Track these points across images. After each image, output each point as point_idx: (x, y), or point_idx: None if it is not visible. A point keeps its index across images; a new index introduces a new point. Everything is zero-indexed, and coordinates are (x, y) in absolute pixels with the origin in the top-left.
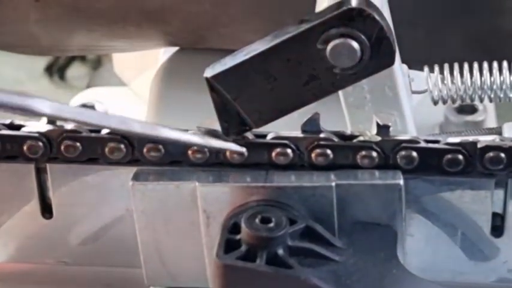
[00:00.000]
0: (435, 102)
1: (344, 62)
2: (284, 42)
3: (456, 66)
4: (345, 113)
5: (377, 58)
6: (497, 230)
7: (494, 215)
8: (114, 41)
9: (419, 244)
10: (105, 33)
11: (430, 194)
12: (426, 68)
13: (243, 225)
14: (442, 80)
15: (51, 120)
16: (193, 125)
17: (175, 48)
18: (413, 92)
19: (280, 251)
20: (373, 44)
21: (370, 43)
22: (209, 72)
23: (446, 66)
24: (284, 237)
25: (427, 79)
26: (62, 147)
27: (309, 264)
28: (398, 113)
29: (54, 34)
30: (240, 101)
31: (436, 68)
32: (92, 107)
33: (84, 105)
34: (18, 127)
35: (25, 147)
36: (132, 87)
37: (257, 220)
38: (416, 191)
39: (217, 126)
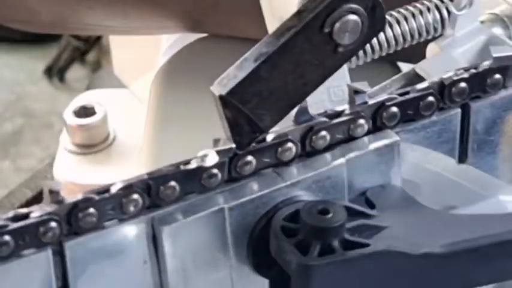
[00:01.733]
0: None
1: (349, 38)
2: (292, 38)
3: None
4: None
5: (372, 26)
6: (462, 156)
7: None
8: (113, 20)
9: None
10: (104, 12)
11: (409, 142)
12: None
13: (307, 221)
14: None
15: (56, 196)
16: (193, 126)
17: (175, 51)
18: None
19: (347, 236)
20: (369, 14)
21: (367, 13)
22: (222, 90)
23: None
24: (345, 223)
25: None
26: (80, 221)
27: (370, 238)
28: (346, 82)
29: (54, 10)
30: (253, 108)
31: None
32: (92, 109)
33: (84, 107)
34: (26, 216)
35: (40, 233)
36: (132, 89)
37: (315, 212)
38: (402, 141)
39: (225, 143)
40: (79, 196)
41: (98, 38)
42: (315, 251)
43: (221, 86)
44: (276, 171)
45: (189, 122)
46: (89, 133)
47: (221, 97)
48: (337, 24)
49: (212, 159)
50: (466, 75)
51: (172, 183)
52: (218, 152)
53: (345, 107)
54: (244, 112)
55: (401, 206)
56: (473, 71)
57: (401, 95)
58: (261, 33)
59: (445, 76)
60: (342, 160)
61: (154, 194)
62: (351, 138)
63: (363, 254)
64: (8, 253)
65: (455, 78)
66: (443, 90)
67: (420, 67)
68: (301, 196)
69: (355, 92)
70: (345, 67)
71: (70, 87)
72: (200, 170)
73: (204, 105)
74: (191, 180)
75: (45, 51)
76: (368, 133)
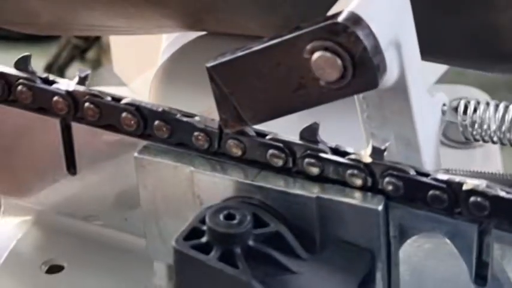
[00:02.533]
0: (466, 138)
1: (327, 75)
2: (274, 46)
3: (492, 104)
4: (362, 127)
5: (360, 78)
6: (481, 278)
7: (479, 262)
8: (114, 21)
9: (404, 275)
10: (105, 13)
11: (415, 226)
12: (462, 102)
13: (207, 217)
14: (474, 118)
15: (82, 81)
16: None
17: (175, 49)
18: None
19: (237, 250)
20: (356, 63)
21: (353, 61)
22: (210, 63)
23: (482, 103)
24: (244, 237)
25: (460, 113)
26: (84, 109)
27: (263, 270)
28: (411, 140)
29: (54, 12)
30: (236, 95)
31: (472, 103)
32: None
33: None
34: (52, 82)
35: (53, 103)
36: (132, 87)
37: (221, 215)
38: (402, 221)
39: (216, 115)
40: (93, 91)
41: (98, 37)
42: (196, 243)
43: (212, 60)
44: (261, 170)
45: None
46: None
47: (207, 68)
48: (315, 55)
49: (203, 121)
50: (492, 191)
51: (167, 124)
52: (205, 120)
53: (356, 152)
54: (226, 93)
55: (339, 270)
56: (502, 193)
57: (417, 173)
58: (260, 31)
59: (468, 180)
60: (312, 194)
61: (150, 124)
62: (343, 183)
63: (222, 271)
64: (28, 102)
65: (476, 188)
66: (458, 196)
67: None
68: (266, 204)
69: (373, 147)
70: (411, 121)
71: None
72: (190, 126)
73: (204, 103)
74: (183, 131)
75: (45, 50)
76: (364, 188)
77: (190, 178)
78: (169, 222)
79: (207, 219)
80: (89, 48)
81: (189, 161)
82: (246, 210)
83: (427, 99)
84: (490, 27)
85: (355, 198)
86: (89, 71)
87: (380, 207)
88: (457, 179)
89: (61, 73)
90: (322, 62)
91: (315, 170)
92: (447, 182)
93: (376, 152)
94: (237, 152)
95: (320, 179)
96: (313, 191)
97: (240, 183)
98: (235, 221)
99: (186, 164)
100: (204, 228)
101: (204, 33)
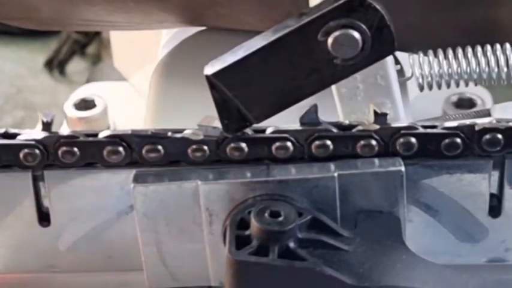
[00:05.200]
0: (421, 88)
1: (345, 52)
2: (284, 37)
3: (440, 51)
4: (336, 104)
5: (378, 47)
6: (495, 210)
7: (491, 195)
8: (114, 15)
9: (418, 229)
10: (105, 8)
11: (429, 179)
12: (411, 55)
13: (253, 220)
14: (428, 64)
15: (47, 127)
16: (192, 119)
17: (175, 44)
18: (400, 79)
19: (292, 244)
20: (373, 33)
21: (371, 32)
22: (209, 70)
23: (430, 52)
24: (294, 230)
25: (412, 65)
26: (59, 154)
27: (319, 256)
28: (391, 101)
29: (54, 6)
30: (241, 97)
31: (421, 53)
32: (92, 101)
33: (84, 100)
34: (14, 136)
35: (21, 156)
36: (132, 82)
37: (266, 214)
38: (416, 177)
39: (216, 123)
40: (65, 132)
41: (98, 31)
42: (251, 249)
43: (211, 67)
44: (268, 165)
45: (188, 114)
46: (89, 126)
47: (207, 77)
48: (333, 36)
49: (197, 134)
50: (502, 126)
51: (158, 146)
52: (205, 130)
53: (361, 123)
54: (231, 97)
55: (381, 237)
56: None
57: (425, 127)
58: (260, 26)
59: (478, 121)
60: (332, 174)
61: (138, 151)
62: (356, 155)
63: (292, 266)
64: None
65: (488, 126)
66: (473, 135)
67: (497, 108)
68: (285, 196)
69: (375, 112)
70: (395, 85)
71: (70, 80)
72: (187, 141)
73: (204, 98)
74: (177, 149)
75: (45, 45)
76: (376, 155)
77: (196, 193)
78: (172, 244)
79: (255, 222)
80: (89, 43)
81: (191, 176)
82: (281, 205)
83: None
84: (490, 22)
85: (376, 166)
86: (54, 114)
87: (402, 168)
88: (467, 122)
89: (61, 68)
90: (341, 40)
91: (325, 151)
92: (459, 128)
93: (380, 118)
94: (241, 154)
95: (330, 158)
96: (332, 171)
97: (254, 183)
98: (281, 218)
99: (190, 180)
100: (247, 233)
101: (204, 28)
